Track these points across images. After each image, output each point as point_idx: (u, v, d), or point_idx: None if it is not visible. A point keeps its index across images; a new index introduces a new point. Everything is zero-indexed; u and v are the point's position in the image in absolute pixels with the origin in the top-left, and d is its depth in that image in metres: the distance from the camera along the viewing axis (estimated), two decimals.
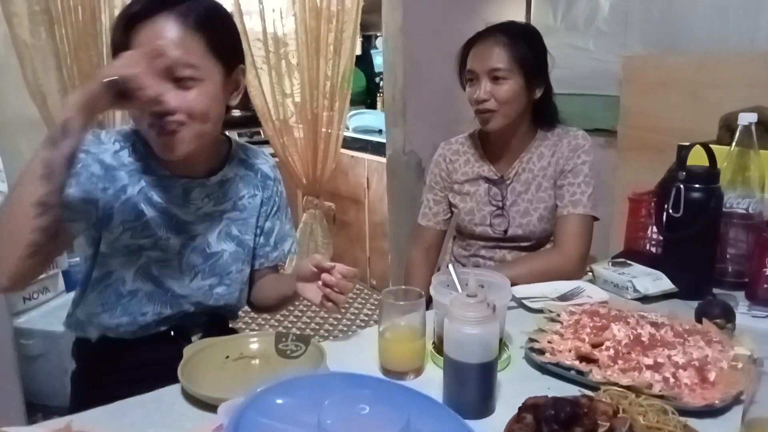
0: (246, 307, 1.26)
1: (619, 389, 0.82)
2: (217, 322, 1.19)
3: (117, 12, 1.97)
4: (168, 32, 0.93)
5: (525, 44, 1.39)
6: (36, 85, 1.93)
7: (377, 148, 3.33)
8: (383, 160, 2.99)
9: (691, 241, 1.21)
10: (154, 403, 0.88)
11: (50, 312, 2.22)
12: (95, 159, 1.02)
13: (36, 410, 2.07)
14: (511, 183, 1.48)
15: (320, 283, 1.00)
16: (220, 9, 1.03)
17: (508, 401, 0.83)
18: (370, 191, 3.47)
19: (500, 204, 1.48)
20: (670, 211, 1.22)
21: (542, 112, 1.48)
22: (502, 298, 0.95)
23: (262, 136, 3.79)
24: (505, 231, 1.48)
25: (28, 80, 1.92)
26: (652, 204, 1.42)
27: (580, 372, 0.90)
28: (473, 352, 0.80)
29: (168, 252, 1.08)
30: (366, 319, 3.28)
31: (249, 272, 1.21)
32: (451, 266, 1.01)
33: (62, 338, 1.96)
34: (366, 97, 4.38)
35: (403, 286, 1.03)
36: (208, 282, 1.12)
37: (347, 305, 3.38)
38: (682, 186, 1.20)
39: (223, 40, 1.00)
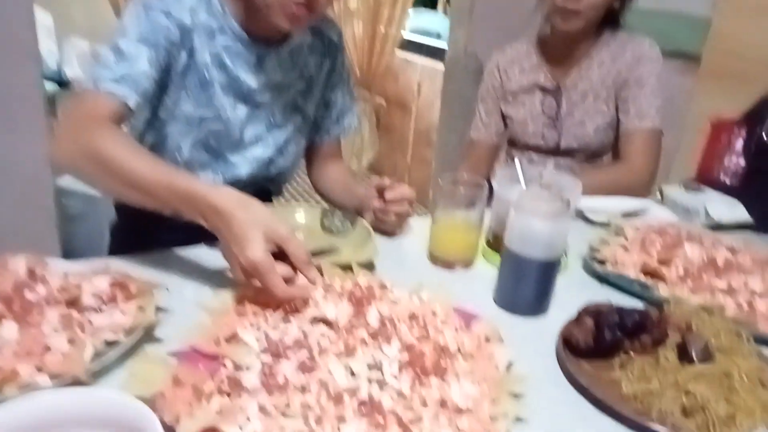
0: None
1: (691, 307, 0.75)
2: (262, 195, 1.15)
3: None
4: None
5: None
6: None
7: (433, 53, 3.18)
8: (437, 65, 2.83)
9: None
10: (194, 257, 0.86)
11: None
12: (175, 23, 0.92)
13: None
14: (568, 92, 1.37)
15: (376, 203, 0.97)
16: None
17: (562, 305, 0.78)
18: (420, 97, 3.34)
19: (554, 116, 1.38)
20: (764, 137, 1.10)
21: (613, 14, 1.33)
22: (574, 197, 0.87)
23: None
24: (557, 144, 1.39)
25: None
26: (736, 130, 1.30)
27: (644, 286, 0.84)
28: (539, 248, 0.74)
29: (230, 124, 1.02)
30: None
31: (305, 145, 1.16)
32: (517, 160, 0.93)
33: (102, 201, 1.96)
34: None
35: (464, 173, 0.95)
36: (268, 154, 1.08)
37: None
38: None
39: None
